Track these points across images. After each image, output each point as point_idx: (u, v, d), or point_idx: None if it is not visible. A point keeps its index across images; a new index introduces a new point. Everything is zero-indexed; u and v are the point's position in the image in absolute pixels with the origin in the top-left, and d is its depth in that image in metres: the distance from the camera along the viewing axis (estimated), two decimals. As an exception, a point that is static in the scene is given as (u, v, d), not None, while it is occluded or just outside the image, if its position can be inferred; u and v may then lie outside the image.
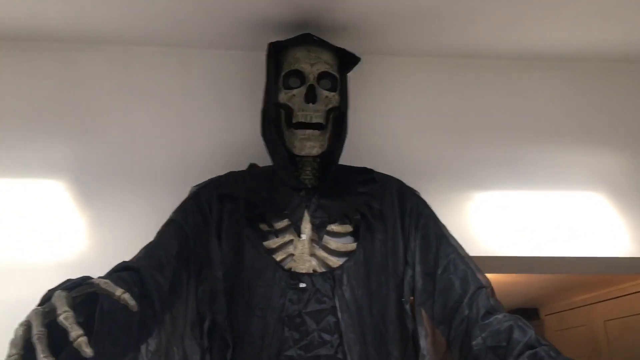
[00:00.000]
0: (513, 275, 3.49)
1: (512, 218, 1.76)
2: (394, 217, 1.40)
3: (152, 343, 1.12)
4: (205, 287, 1.29)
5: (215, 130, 1.74)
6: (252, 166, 1.52)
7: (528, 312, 4.89)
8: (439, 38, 1.78)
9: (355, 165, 1.51)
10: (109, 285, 0.88)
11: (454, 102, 1.85)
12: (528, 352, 1.05)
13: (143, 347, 1.10)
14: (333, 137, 1.44)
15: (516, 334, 1.10)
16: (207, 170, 1.50)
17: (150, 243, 1.27)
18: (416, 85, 1.86)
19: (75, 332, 0.77)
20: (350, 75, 1.54)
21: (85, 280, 0.91)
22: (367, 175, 1.48)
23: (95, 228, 1.63)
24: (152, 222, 1.35)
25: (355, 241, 1.34)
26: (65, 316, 0.79)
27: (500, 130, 1.84)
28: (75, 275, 0.96)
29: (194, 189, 1.42)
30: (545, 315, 4.66)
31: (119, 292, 0.87)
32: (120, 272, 1.09)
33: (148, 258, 1.20)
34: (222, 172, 1.47)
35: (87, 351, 0.76)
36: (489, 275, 1.31)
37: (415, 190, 1.48)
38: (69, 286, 0.89)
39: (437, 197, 1.54)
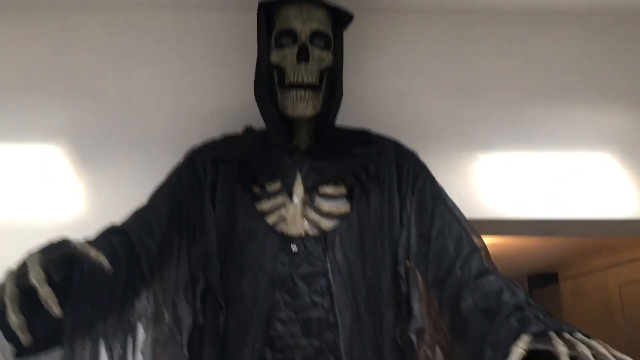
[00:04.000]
0: (531, 238, 3.44)
1: (517, 179, 1.71)
2: (390, 179, 1.37)
3: (139, 305, 1.13)
4: (199, 249, 1.29)
5: (211, 92, 1.73)
6: (248, 129, 1.50)
7: (547, 277, 4.83)
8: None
9: (352, 127, 1.48)
10: (84, 247, 0.88)
11: (455, 60, 1.79)
12: (517, 314, 1.02)
13: (130, 308, 1.11)
14: (328, 98, 1.40)
15: (506, 296, 1.08)
16: (202, 133, 1.49)
17: (142, 207, 1.28)
18: (415, 43, 1.80)
19: (44, 290, 0.77)
20: (347, 33, 1.49)
21: (64, 243, 0.91)
22: (363, 137, 1.44)
23: (93, 191, 1.64)
24: (148, 184, 1.36)
25: (349, 203, 1.32)
26: (34, 275, 0.79)
27: (505, 88, 1.78)
28: (72, 237, 0.96)
29: (188, 151, 1.42)
30: (563, 280, 4.61)
31: (93, 253, 0.87)
32: (108, 234, 1.10)
33: (137, 221, 1.22)
34: (217, 135, 1.46)
35: (55, 309, 0.76)
36: (491, 238, 1.29)
37: (413, 152, 1.44)
38: (47, 248, 0.89)
39: (437, 158, 1.52)
